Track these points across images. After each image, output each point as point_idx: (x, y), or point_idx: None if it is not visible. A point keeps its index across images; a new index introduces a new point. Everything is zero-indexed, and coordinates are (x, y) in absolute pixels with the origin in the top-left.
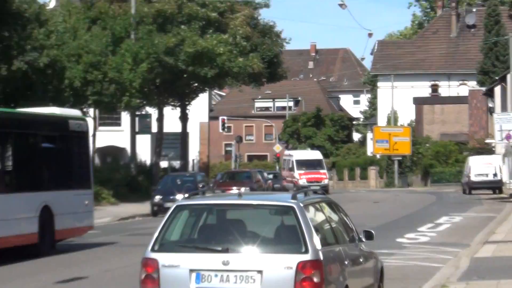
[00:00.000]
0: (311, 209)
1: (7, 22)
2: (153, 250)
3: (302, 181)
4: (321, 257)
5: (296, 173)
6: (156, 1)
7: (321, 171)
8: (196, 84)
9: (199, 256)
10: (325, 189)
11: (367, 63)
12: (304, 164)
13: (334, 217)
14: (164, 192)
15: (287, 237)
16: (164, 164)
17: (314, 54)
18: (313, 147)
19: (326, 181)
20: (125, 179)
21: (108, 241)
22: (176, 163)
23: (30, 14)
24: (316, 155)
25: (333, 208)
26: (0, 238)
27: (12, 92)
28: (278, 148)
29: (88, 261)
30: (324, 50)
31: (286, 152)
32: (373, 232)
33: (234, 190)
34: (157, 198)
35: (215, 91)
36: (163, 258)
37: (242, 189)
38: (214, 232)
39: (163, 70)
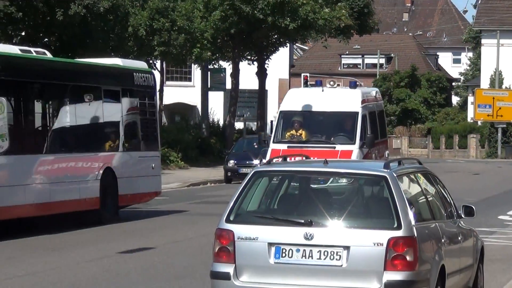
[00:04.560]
0: (405, 180)
1: None
2: (228, 220)
3: None
4: (415, 234)
5: (270, 149)
6: None
7: (343, 146)
8: (276, 37)
9: (279, 229)
10: None
11: (470, 17)
12: (304, 125)
13: (431, 189)
14: (239, 156)
15: (378, 210)
16: (239, 125)
17: (409, 5)
18: (352, 84)
19: None
20: (195, 140)
21: (176, 209)
22: (253, 124)
23: None
24: (345, 101)
25: (430, 179)
26: (59, 202)
27: (70, 40)
28: None
29: (155, 230)
30: (421, 0)
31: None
32: (473, 207)
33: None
34: (231, 162)
35: (297, 44)
36: (239, 230)
37: None
38: (296, 202)
39: (238, 20)
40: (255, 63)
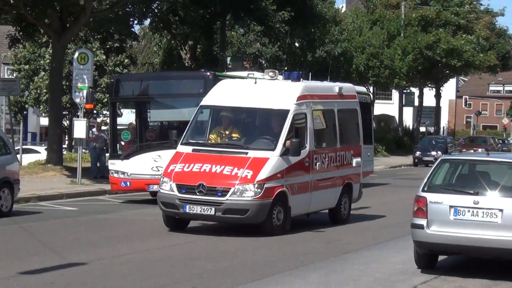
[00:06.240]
0: None
1: (312, 21)
2: (423, 190)
3: (166, 186)
4: None
5: (175, 152)
6: (420, 8)
7: (258, 153)
8: (447, 72)
9: (457, 197)
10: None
11: None
12: (230, 123)
13: None
14: (422, 149)
15: None
16: (422, 129)
17: None
18: (294, 75)
19: (247, 190)
20: (394, 138)
21: (383, 182)
22: (431, 129)
23: (329, 16)
24: (278, 96)
25: None
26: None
27: (315, 72)
28: (505, 121)
29: (369, 195)
30: None
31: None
32: None
33: (473, 150)
34: (418, 153)
35: (461, 77)
36: (430, 197)
37: (479, 150)
38: (467, 179)
39: (423, 61)
40: (434, 89)
